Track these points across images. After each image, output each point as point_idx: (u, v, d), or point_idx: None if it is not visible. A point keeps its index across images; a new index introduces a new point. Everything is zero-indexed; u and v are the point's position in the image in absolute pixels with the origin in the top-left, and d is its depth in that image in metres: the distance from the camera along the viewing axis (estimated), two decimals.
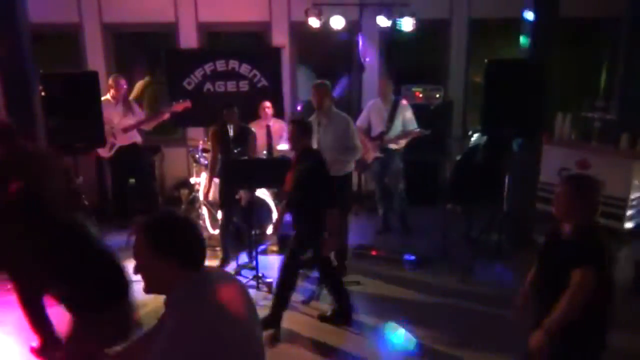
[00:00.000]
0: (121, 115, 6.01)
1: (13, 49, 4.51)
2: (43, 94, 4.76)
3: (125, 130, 6.03)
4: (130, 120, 6.05)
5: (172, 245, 1.73)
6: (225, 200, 5.28)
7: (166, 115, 6.09)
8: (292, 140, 4.13)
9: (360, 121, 6.04)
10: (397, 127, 5.83)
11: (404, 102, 5.95)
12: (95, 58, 6.98)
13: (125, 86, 6.13)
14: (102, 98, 5.97)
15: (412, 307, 4.59)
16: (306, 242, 4.12)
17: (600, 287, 2.39)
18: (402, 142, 5.90)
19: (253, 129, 5.50)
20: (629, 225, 5.94)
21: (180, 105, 6.00)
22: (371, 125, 5.95)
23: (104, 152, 6.05)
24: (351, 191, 5.28)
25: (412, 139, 5.90)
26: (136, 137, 6.21)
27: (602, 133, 6.30)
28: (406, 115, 5.85)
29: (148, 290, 1.81)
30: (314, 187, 3.97)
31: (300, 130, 4.08)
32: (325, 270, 4.35)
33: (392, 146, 5.87)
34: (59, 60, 7.20)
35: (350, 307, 4.35)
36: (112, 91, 6.01)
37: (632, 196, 5.86)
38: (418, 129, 5.82)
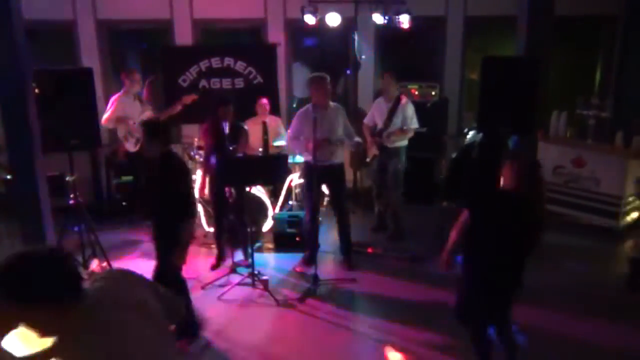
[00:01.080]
0: (140, 110, 6.02)
1: (7, 46, 4.45)
2: (37, 91, 4.71)
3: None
4: (149, 113, 6.11)
5: (31, 293, 1.46)
6: (217, 197, 5.26)
7: (178, 108, 6.15)
8: (145, 143, 3.93)
9: (367, 119, 6.00)
10: (396, 125, 5.69)
11: (403, 100, 5.74)
12: (90, 55, 6.94)
13: (139, 81, 6.16)
14: (116, 95, 5.96)
15: (408, 305, 4.59)
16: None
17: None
18: (396, 140, 5.75)
19: (245, 126, 5.49)
20: (623, 222, 5.97)
21: (189, 98, 6.11)
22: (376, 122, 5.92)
23: (131, 147, 6.07)
24: (344, 183, 5.27)
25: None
26: None
27: (597, 131, 6.31)
28: (407, 113, 5.73)
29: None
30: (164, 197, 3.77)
31: (149, 133, 3.81)
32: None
33: (389, 145, 5.80)
34: (53, 57, 7.15)
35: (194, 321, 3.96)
36: (125, 87, 5.99)
37: (627, 194, 5.89)
38: (404, 128, 5.71)
